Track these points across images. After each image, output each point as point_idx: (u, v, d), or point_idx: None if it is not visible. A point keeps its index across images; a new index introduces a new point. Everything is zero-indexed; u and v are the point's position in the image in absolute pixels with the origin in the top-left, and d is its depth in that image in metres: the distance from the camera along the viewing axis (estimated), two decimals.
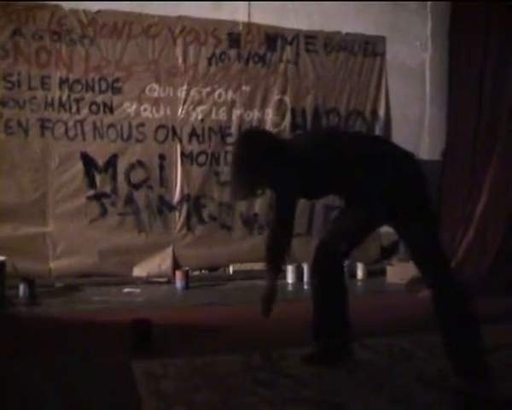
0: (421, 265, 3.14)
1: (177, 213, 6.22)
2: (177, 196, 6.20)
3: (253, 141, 3.27)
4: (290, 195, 3.29)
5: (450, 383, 3.05)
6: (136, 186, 6.08)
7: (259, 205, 6.42)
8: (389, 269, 6.31)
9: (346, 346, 3.48)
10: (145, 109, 6.06)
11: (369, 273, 6.42)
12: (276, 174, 3.18)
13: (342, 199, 3.61)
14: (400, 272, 6.08)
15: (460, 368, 2.99)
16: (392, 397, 2.96)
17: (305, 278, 6.20)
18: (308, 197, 3.76)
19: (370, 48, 6.79)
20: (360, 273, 6.40)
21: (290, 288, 6.09)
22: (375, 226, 3.58)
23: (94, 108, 5.91)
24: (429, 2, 7.07)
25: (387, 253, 6.71)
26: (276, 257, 3.49)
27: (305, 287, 6.09)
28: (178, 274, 5.86)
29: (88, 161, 5.92)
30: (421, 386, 3.12)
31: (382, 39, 6.81)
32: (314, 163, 3.14)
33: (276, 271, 3.57)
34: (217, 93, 6.24)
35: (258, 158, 3.12)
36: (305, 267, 6.22)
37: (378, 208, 3.19)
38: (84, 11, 5.85)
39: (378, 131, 6.74)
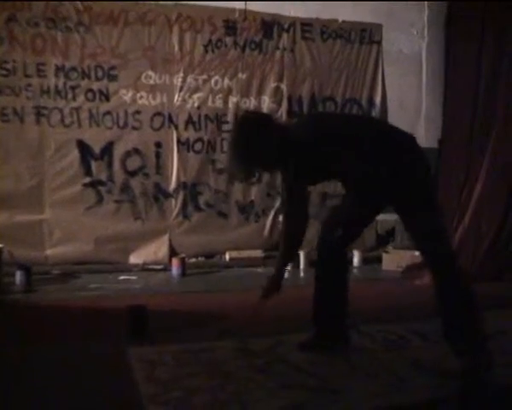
0: (423, 247, 3.13)
1: (173, 201, 6.22)
2: (173, 184, 6.21)
3: (252, 123, 3.22)
4: (296, 179, 3.24)
5: (446, 367, 3.07)
6: (132, 174, 6.08)
7: (256, 192, 6.43)
8: (385, 256, 6.33)
9: (343, 333, 3.49)
10: (141, 97, 6.05)
11: (365, 261, 6.44)
12: (276, 159, 3.16)
13: (342, 184, 3.58)
14: (396, 259, 6.11)
15: (460, 351, 3.00)
16: (387, 383, 2.98)
17: (301, 265, 6.21)
18: (308, 182, 3.69)
19: (367, 36, 6.78)
20: (356, 261, 6.41)
21: (286, 275, 6.06)
22: (378, 212, 3.55)
23: (90, 95, 5.90)
24: None
25: (383, 240, 6.73)
26: (290, 244, 3.45)
27: (301, 274, 6.11)
28: (175, 261, 5.87)
29: (84, 148, 5.91)
30: (416, 372, 3.13)
31: (379, 27, 6.80)
32: (314, 146, 3.10)
33: (288, 259, 3.59)
34: (213, 80, 6.23)
35: (256, 140, 3.08)
36: (302, 254, 6.23)
37: (381, 193, 3.18)
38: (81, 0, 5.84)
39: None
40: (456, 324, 3.02)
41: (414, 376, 3.08)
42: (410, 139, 3.24)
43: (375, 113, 6.79)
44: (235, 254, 6.32)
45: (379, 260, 6.34)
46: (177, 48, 6.14)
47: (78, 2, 5.81)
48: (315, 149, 3.08)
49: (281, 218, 6.40)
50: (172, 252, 6.16)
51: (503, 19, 6.36)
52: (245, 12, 6.33)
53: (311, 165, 3.13)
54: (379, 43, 6.81)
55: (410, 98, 7.04)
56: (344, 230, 3.46)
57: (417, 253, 5.74)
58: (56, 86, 5.80)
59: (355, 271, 6.29)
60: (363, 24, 6.74)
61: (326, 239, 3.48)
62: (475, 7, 6.45)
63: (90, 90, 5.91)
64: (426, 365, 3.22)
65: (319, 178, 3.60)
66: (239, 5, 6.31)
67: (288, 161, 3.13)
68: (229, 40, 6.29)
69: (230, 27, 6.30)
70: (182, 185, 6.22)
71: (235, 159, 3.18)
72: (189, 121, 6.19)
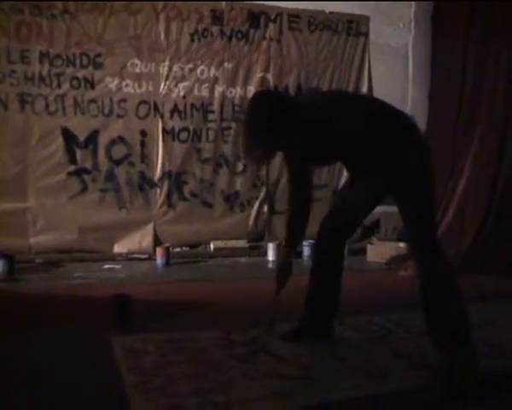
0: (415, 234, 3.12)
1: (158, 190, 6.20)
2: (158, 173, 6.18)
3: (267, 102, 3.14)
4: (305, 158, 3.24)
5: (428, 358, 3.08)
6: (117, 162, 6.05)
7: (241, 183, 6.42)
8: (369, 248, 6.35)
9: (330, 324, 3.50)
10: (127, 85, 6.01)
11: (350, 252, 6.41)
12: (291, 137, 3.08)
13: (348, 167, 3.54)
14: (380, 250, 6.13)
15: (443, 343, 3.00)
16: (370, 374, 2.99)
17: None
18: (317, 162, 3.65)
19: (354, 27, 6.77)
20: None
21: (271, 265, 6.10)
22: (381, 200, 3.52)
23: (75, 83, 5.86)
24: None
25: (368, 232, 6.74)
26: (295, 228, 3.44)
27: None
28: (159, 251, 5.86)
29: (69, 136, 5.87)
30: (399, 363, 3.15)
31: (366, 19, 6.79)
32: (328, 125, 3.04)
33: (294, 244, 3.53)
34: (199, 70, 6.20)
35: (273, 120, 3.00)
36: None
37: (388, 179, 3.13)
38: None
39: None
40: (440, 315, 3.02)
41: (397, 366, 3.11)
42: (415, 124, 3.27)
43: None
44: (219, 243, 6.31)
45: (363, 251, 6.36)
46: (163, 36, 6.10)
47: None
48: (329, 128, 3.04)
49: (266, 208, 6.43)
50: (157, 241, 6.15)
51: (489, 14, 6.39)
52: (232, 2, 6.30)
53: (323, 144, 3.09)
54: (366, 35, 6.81)
55: (395, 91, 7.03)
56: (346, 221, 3.44)
57: (402, 244, 5.85)
58: (41, 73, 5.74)
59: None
60: (350, 16, 6.73)
61: (327, 233, 3.42)
62: (462, 2, 6.47)
63: (75, 77, 5.86)
64: (409, 355, 3.25)
65: (328, 158, 3.55)
66: None
67: (300, 139, 3.08)
68: (215, 30, 6.25)
69: (217, 17, 6.26)
70: (167, 175, 6.19)
71: (253, 140, 3.11)
72: (175, 110, 6.16)
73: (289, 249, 3.50)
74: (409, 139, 3.13)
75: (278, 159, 6.39)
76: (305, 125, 3.05)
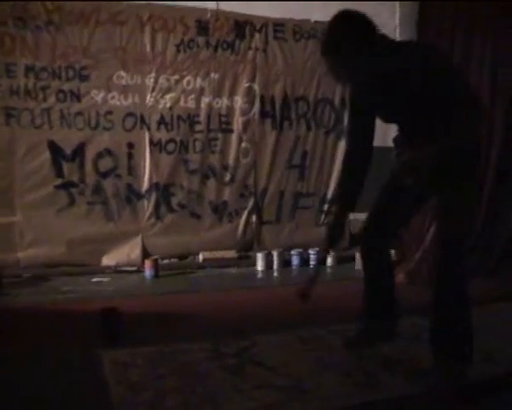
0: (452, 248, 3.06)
1: (145, 202, 6.17)
2: (145, 185, 6.16)
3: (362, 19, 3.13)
4: (375, 99, 3.13)
5: (417, 365, 3.09)
6: (105, 175, 6.02)
7: (229, 193, 6.41)
8: (358, 256, 6.33)
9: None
10: (113, 97, 5.99)
11: (339, 260, 6.46)
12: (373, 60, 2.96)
13: (408, 132, 3.25)
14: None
15: (451, 353, 3.03)
16: (359, 382, 2.99)
17: (275, 266, 6.23)
18: (383, 111, 3.31)
19: None
20: (330, 260, 6.42)
21: (260, 275, 6.09)
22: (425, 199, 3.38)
23: (61, 96, 5.83)
24: None
25: (356, 240, 6.73)
26: (349, 189, 3.36)
27: (275, 274, 6.12)
28: (148, 263, 5.84)
29: (55, 149, 5.84)
30: (388, 371, 3.15)
31: None
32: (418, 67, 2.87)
33: (348, 207, 3.39)
34: (185, 81, 6.20)
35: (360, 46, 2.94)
36: (275, 255, 6.25)
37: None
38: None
39: (347, 119, 6.75)
40: (452, 324, 3.04)
41: (386, 374, 3.10)
42: None
43: (348, 113, 6.79)
44: (208, 254, 6.29)
45: (352, 259, 6.35)
46: (148, 48, 6.09)
47: (48, 1, 5.71)
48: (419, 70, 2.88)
49: (254, 218, 6.43)
50: (145, 253, 6.12)
51: (473, 21, 6.43)
52: (217, 12, 6.30)
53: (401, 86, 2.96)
54: None
55: None
56: (391, 225, 3.36)
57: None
58: (26, 87, 5.72)
59: (329, 271, 6.31)
60: None
61: (372, 245, 3.36)
62: (446, 9, 6.50)
63: (61, 90, 5.83)
64: (397, 363, 3.24)
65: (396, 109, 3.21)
66: (211, 5, 6.29)
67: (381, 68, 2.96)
68: (201, 40, 6.25)
69: (203, 27, 6.26)
70: (154, 186, 6.17)
71: (334, 59, 3.02)
72: (162, 122, 6.15)
73: (342, 212, 3.40)
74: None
75: (265, 167, 6.46)
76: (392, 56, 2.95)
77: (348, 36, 2.97)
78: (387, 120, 3.30)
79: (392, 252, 5.72)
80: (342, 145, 6.61)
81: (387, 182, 3.30)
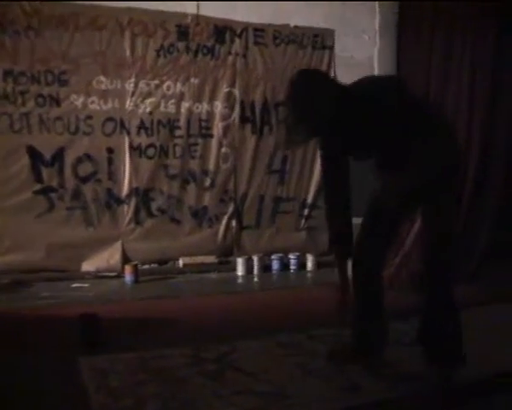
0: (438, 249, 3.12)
1: (125, 207, 6.15)
2: (125, 190, 6.13)
3: (313, 77, 3.14)
4: (348, 142, 3.16)
5: (398, 369, 3.10)
6: (84, 180, 5.98)
7: (209, 198, 6.40)
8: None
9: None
10: (92, 102, 5.97)
11: (319, 265, 6.47)
12: (334, 118, 2.98)
13: (383, 163, 3.31)
14: (348, 264, 6.12)
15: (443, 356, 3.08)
16: (340, 387, 3.00)
17: (255, 271, 6.23)
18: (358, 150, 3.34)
19: (319, 41, 6.80)
20: (310, 265, 6.45)
21: (240, 280, 6.09)
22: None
23: (40, 100, 5.80)
24: None
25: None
26: (338, 227, 3.34)
27: (255, 279, 6.12)
28: (127, 268, 5.82)
29: (34, 154, 5.80)
30: (370, 376, 3.16)
31: (331, 33, 6.83)
32: (375, 111, 2.97)
33: (342, 248, 3.39)
34: (165, 85, 6.18)
35: (321, 98, 2.96)
36: (255, 260, 6.25)
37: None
38: (29, 1, 5.72)
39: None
40: (441, 328, 3.08)
41: (367, 378, 3.11)
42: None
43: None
44: (188, 260, 6.27)
45: (332, 264, 6.35)
46: (128, 53, 6.07)
47: (26, 4, 5.68)
48: (376, 116, 2.97)
49: (234, 223, 6.43)
50: (125, 259, 6.08)
51: (452, 25, 6.49)
52: (197, 17, 6.30)
53: (364, 132, 3.04)
54: (331, 48, 6.84)
55: None
56: (381, 242, 3.37)
57: None
58: (5, 91, 5.68)
59: (308, 275, 6.33)
60: (315, 29, 6.76)
61: (363, 261, 3.36)
62: (426, 14, 6.56)
63: (40, 95, 5.80)
64: (379, 367, 3.26)
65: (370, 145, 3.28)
66: (191, 10, 6.28)
67: (344, 118, 3.00)
68: (181, 45, 6.24)
69: (183, 32, 6.26)
70: (134, 191, 6.14)
71: (297, 116, 3.02)
72: (142, 126, 6.13)
73: (341, 261, 3.39)
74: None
75: (245, 172, 6.46)
76: (357, 104, 3.01)
77: (311, 92, 3.00)
78: (362, 158, 3.37)
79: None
80: None
81: (370, 206, 3.34)
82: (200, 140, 6.34)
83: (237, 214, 6.51)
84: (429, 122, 3.04)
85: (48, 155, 5.85)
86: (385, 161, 3.24)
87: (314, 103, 2.97)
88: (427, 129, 3.01)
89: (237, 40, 6.45)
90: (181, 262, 6.29)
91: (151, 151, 6.18)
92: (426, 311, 3.15)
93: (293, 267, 6.39)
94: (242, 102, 6.49)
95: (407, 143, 3.01)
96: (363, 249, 3.34)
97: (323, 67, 6.77)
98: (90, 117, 5.95)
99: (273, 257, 6.40)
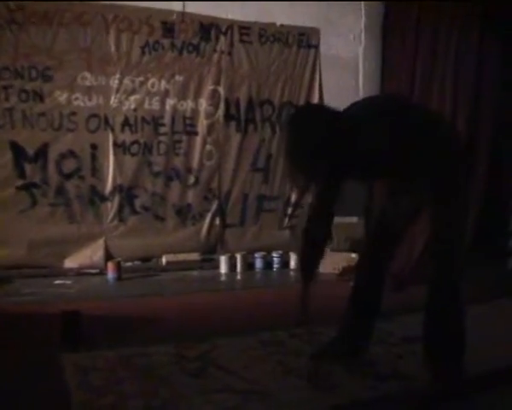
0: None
1: (109, 204, 6.12)
2: (109, 187, 6.10)
3: (313, 118, 3.06)
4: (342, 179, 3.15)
5: (379, 369, 3.11)
6: (68, 176, 5.96)
7: (193, 195, 6.39)
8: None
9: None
10: (77, 98, 5.94)
11: None
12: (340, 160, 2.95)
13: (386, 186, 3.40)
14: (332, 261, 6.14)
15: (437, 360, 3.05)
16: (320, 385, 3.01)
17: (238, 269, 6.23)
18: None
19: (305, 40, 6.81)
20: (293, 263, 6.45)
21: (223, 278, 6.09)
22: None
23: (23, 96, 5.76)
24: None
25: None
26: (309, 259, 3.34)
27: (238, 277, 6.12)
28: (110, 265, 5.79)
29: (17, 150, 5.76)
30: (349, 373, 3.17)
31: (316, 31, 6.84)
32: (378, 146, 2.93)
33: (309, 276, 3.35)
34: (150, 82, 6.17)
35: (323, 139, 2.91)
36: (239, 258, 6.25)
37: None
38: (13, 0, 5.68)
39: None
40: (441, 341, 3.04)
41: (348, 378, 3.12)
42: None
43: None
44: (171, 257, 6.26)
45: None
46: (113, 49, 6.04)
47: (11, 3, 5.64)
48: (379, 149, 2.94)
49: (218, 221, 6.43)
50: (108, 256, 6.06)
51: (437, 26, 6.53)
52: (183, 14, 6.29)
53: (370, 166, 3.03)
54: (316, 47, 6.85)
55: (346, 102, 6.98)
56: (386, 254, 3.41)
57: (354, 255, 5.88)
58: None
59: (292, 273, 6.34)
60: (300, 28, 6.77)
61: (368, 263, 3.41)
62: (410, 13, 6.59)
63: (24, 90, 5.76)
64: (359, 366, 3.27)
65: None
66: (177, 7, 6.27)
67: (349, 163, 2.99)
68: (166, 42, 6.22)
69: (168, 29, 6.24)
70: (118, 188, 6.12)
71: (300, 159, 2.97)
72: (126, 123, 6.11)
73: (305, 285, 3.34)
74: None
75: (229, 170, 6.46)
76: (358, 150, 2.95)
77: (314, 127, 2.96)
78: (362, 181, 3.39)
79: (354, 256, 5.86)
80: None
81: (378, 220, 3.41)
82: (184, 137, 6.33)
83: (221, 212, 6.51)
84: (432, 141, 3.01)
85: (31, 151, 5.82)
86: (387, 182, 3.35)
87: (314, 146, 2.91)
88: (431, 148, 2.99)
89: (223, 38, 6.44)
90: (164, 260, 6.28)
91: (135, 148, 6.16)
92: (432, 315, 3.11)
93: (276, 266, 6.41)
94: (227, 100, 6.49)
95: (410, 166, 3.03)
96: (369, 253, 3.40)
97: (308, 66, 6.80)
98: (74, 113, 5.92)
99: (256, 255, 6.40)
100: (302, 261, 3.37)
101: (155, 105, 6.20)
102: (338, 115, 3.13)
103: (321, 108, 3.30)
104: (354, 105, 3.34)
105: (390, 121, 3.01)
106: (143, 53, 6.14)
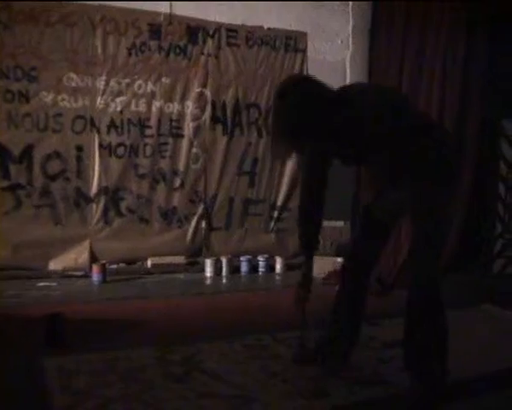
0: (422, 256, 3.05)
1: (94, 206, 6.09)
2: (94, 189, 6.08)
3: (300, 87, 3.02)
4: (332, 153, 3.15)
5: (361, 375, 3.11)
6: (53, 178, 5.92)
7: (178, 198, 6.37)
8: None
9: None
10: (62, 99, 5.91)
11: (288, 267, 6.48)
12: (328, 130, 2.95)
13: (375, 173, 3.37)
14: (318, 266, 6.12)
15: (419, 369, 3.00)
16: (304, 389, 3.01)
17: (224, 272, 6.22)
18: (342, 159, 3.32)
19: (292, 43, 6.81)
20: (278, 267, 6.46)
21: (208, 281, 6.08)
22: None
23: (8, 96, 5.73)
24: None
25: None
26: (309, 234, 3.36)
27: (224, 281, 6.11)
28: (95, 268, 5.76)
29: (2, 151, 5.72)
30: (333, 379, 3.17)
31: (304, 35, 6.84)
32: (370, 120, 2.94)
33: (311, 251, 3.43)
34: (136, 84, 6.15)
35: (312, 107, 2.92)
36: (224, 261, 6.24)
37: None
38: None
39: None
40: (421, 344, 2.99)
41: (331, 382, 3.12)
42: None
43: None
44: (157, 260, 6.24)
45: (301, 266, 6.36)
46: (100, 50, 6.02)
47: None
48: (371, 124, 2.95)
49: (203, 224, 6.41)
50: (93, 258, 6.03)
51: (423, 31, 6.56)
52: (170, 16, 6.27)
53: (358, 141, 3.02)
54: (304, 51, 6.86)
55: None
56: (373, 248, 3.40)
57: (339, 259, 5.88)
58: None
59: (277, 277, 6.34)
60: (288, 32, 6.77)
61: (354, 266, 3.42)
62: (398, 18, 6.61)
63: (9, 90, 5.73)
64: (341, 370, 3.27)
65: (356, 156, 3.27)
66: (164, 9, 6.25)
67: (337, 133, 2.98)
68: (153, 44, 6.21)
69: (155, 31, 6.22)
70: (103, 190, 6.10)
71: (285, 131, 2.99)
72: (112, 125, 6.08)
73: (308, 260, 3.47)
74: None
75: (215, 173, 6.45)
76: (346, 121, 2.95)
77: (303, 98, 2.95)
78: (351, 164, 3.39)
79: (340, 260, 5.86)
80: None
81: (364, 218, 3.42)
82: (170, 140, 6.31)
83: (207, 215, 6.49)
84: (425, 135, 3.01)
85: (16, 152, 5.78)
86: (377, 171, 3.30)
87: (303, 115, 2.92)
88: (423, 141, 2.99)
89: (210, 40, 6.43)
90: (149, 262, 6.26)
91: (121, 150, 6.14)
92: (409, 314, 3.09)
93: (261, 269, 6.40)
94: (214, 103, 6.48)
95: (401, 156, 3.02)
96: (355, 255, 3.41)
97: (296, 70, 6.79)
98: (59, 114, 5.89)
99: (242, 259, 6.40)
100: (301, 237, 3.38)
101: (142, 107, 6.18)
102: (327, 87, 3.14)
103: (310, 78, 3.29)
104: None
105: (379, 95, 3.12)
106: (130, 54, 6.12)
